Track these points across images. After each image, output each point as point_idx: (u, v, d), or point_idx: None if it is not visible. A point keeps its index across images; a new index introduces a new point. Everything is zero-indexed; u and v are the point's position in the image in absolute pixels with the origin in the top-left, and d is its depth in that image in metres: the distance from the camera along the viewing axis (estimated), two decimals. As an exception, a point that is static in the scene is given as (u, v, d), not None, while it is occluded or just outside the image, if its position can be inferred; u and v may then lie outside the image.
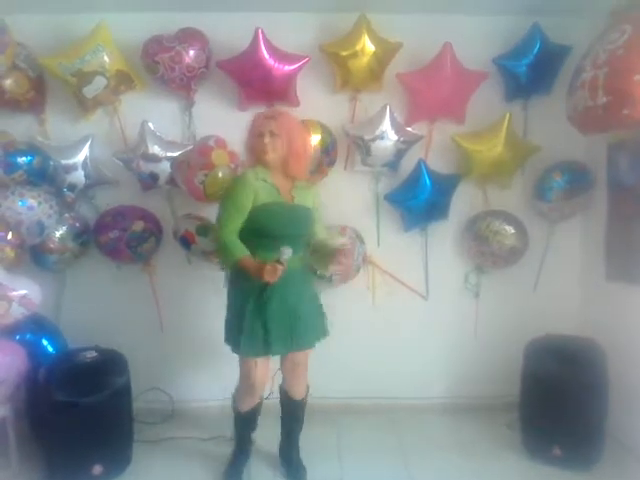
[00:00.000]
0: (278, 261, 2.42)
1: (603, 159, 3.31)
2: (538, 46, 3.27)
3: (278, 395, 2.94)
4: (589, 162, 3.43)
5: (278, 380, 2.92)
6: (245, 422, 2.87)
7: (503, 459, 3.09)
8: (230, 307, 2.72)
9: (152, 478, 2.94)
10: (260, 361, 2.63)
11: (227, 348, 2.69)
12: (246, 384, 2.71)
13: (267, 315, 2.56)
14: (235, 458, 2.94)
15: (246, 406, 2.79)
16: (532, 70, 3.30)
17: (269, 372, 2.75)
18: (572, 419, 2.90)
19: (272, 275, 2.42)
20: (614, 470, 2.96)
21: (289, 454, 2.94)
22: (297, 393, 2.86)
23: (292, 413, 2.91)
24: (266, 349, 2.58)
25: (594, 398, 2.91)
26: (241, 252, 2.53)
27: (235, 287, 2.71)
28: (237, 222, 2.56)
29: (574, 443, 2.93)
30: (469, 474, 2.97)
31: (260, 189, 2.55)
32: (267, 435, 3.03)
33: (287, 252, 2.42)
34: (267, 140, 2.55)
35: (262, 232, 2.56)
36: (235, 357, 2.68)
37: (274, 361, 2.77)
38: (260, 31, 3.12)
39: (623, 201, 3.15)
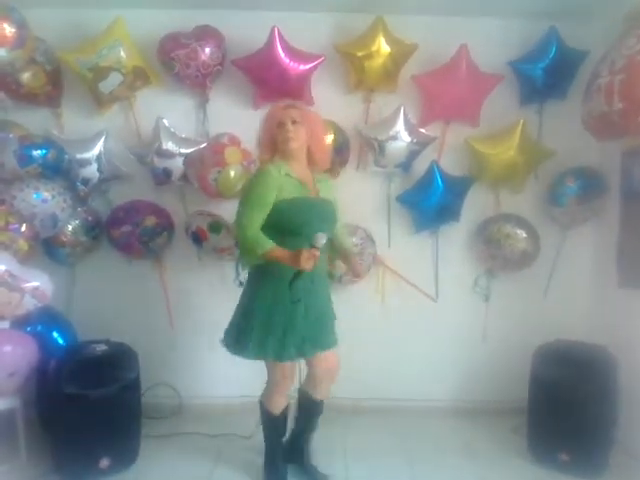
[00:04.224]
0: (313, 247, 2.29)
1: (617, 165, 3.28)
2: (554, 50, 3.26)
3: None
4: (603, 168, 3.41)
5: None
6: (278, 425, 2.81)
7: (509, 464, 3.07)
8: (250, 310, 2.54)
9: (159, 473, 2.94)
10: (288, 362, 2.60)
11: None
12: (277, 385, 2.66)
13: (299, 316, 2.50)
14: (274, 466, 2.82)
15: (278, 408, 2.74)
16: (548, 74, 3.29)
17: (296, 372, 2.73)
18: (580, 426, 2.88)
19: (309, 262, 2.29)
20: (621, 478, 2.94)
21: (302, 454, 2.90)
22: (323, 395, 2.82)
23: (311, 415, 2.87)
24: (299, 351, 2.53)
25: (603, 405, 2.89)
26: (269, 243, 2.40)
27: (258, 289, 2.56)
28: (259, 219, 2.45)
29: (581, 450, 2.91)
30: (474, 478, 2.95)
31: (285, 184, 2.46)
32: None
33: (322, 238, 2.28)
34: (290, 127, 2.48)
35: (289, 229, 2.45)
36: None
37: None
38: (276, 29, 3.13)
39: (636, 208, 3.13)
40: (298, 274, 2.34)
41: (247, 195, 2.51)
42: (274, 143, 2.56)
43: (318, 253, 2.30)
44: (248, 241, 2.44)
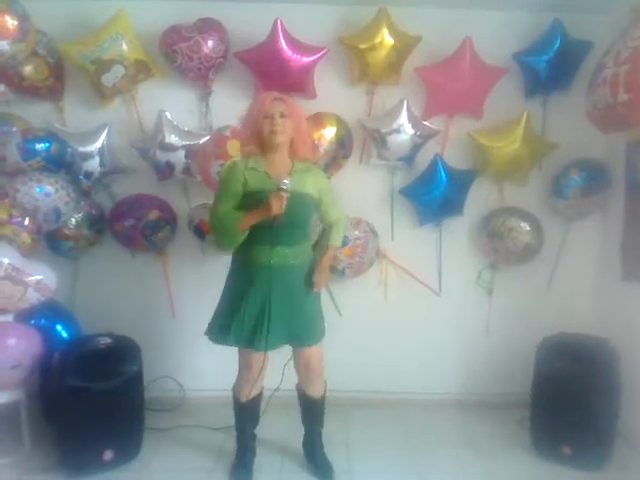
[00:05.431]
0: (279, 189, 2.40)
1: (622, 158, 3.27)
2: (559, 42, 3.23)
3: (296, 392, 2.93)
4: (607, 160, 3.40)
5: (287, 373, 2.90)
6: (245, 413, 2.83)
7: (512, 457, 3.08)
8: (224, 298, 2.71)
9: (162, 465, 2.95)
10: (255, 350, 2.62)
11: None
12: (243, 372, 2.72)
13: (254, 308, 2.57)
14: (241, 455, 2.88)
15: (245, 396, 2.77)
16: (552, 66, 3.26)
17: (266, 362, 2.71)
18: (583, 419, 2.89)
19: (278, 204, 2.39)
20: (624, 471, 2.95)
21: (313, 451, 2.93)
22: (314, 392, 2.84)
23: (310, 411, 2.90)
24: (252, 341, 2.57)
25: (606, 398, 2.89)
26: (239, 215, 2.49)
27: (233, 278, 2.71)
28: (228, 204, 2.55)
29: (584, 443, 2.91)
30: (477, 471, 2.96)
31: (250, 177, 2.53)
32: (276, 428, 3.05)
33: (286, 181, 2.40)
34: (279, 121, 2.51)
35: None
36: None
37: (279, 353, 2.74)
38: (279, 22, 3.12)
39: (641, 200, 3.13)
40: (275, 221, 2.45)
41: (218, 186, 2.66)
42: (259, 134, 2.56)
43: (284, 194, 2.40)
44: (217, 221, 2.59)
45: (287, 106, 2.55)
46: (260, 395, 2.85)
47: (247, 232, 2.52)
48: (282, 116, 2.52)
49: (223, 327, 2.62)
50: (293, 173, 2.59)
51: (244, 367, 2.71)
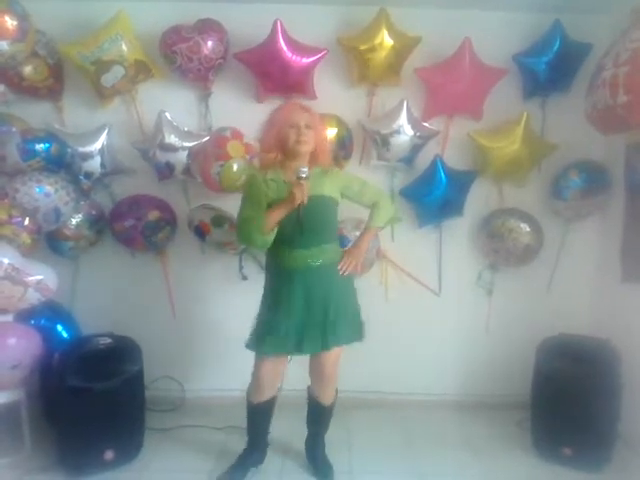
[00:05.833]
0: (299, 178, 2.44)
1: (621, 159, 3.27)
2: (558, 44, 3.22)
3: (306, 395, 2.92)
4: (607, 162, 3.39)
5: (288, 374, 2.90)
6: (256, 415, 2.82)
7: (512, 458, 3.09)
8: (261, 303, 2.71)
9: (163, 465, 2.95)
10: (271, 359, 2.62)
11: (238, 337, 2.68)
12: (254, 379, 2.71)
13: (287, 313, 2.57)
14: (245, 455, 2.87)
15: (257, 399, 2.76)
16: (551, 68, 3.26)
17: (280, 371, 2.72)
18: (583, 419, 2.89)
19: (299, 192, 2.43)
20: (624, 472, 2.95)
21: (314, 452, 2.93)
22: (324, 399, 2.83)
23: (317, 416, 2.90)
24: (281, 347, 2.58)
25: (606, 399, 2.89)
26: (262, 215, 2.50)
27: (266, 283, 2.73)
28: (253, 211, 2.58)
29: (585, 444, 2.92)
30: (478, 472, 2.96)
31: (269, 188, 2.56)
32: (277, 428, 3.05)
33: (303, 170, 2.43)
34: (304, 131, 2.54)
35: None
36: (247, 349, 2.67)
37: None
38: (279, 22, 3.11)
39: (640, 202, 3.13)
40: (299, 208, 2.47)
41: (242, 198, 2.64)
42: (282, 143, 2.58)
43: (304, 182, 2.43)
44: (244, 221, 2.57)
45: (310, 117, 2.60)
46: (273, 400, 2.81)
47: (275, 231, 2.53)
48: (307, 127, 2.56)
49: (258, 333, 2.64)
50: (312, 177, 2.59)
51: (258, 373, 2.68)
